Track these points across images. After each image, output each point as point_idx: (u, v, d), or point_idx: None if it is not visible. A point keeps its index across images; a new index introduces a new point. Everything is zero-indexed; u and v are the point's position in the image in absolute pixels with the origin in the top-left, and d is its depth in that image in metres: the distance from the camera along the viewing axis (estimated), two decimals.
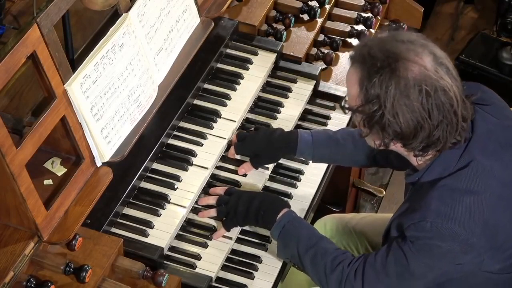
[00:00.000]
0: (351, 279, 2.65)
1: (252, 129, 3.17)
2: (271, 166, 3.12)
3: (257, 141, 3.05)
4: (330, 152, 3.05)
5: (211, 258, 2.85)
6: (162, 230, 2.86)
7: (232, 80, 3.30)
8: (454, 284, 2.64)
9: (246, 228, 2.98)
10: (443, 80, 2.42)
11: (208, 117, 3.17)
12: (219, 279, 2.86)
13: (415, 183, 2.62)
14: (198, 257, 2.85)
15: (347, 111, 2.60)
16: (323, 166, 3.20)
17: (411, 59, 2.42)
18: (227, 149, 3.14)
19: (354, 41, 3.63)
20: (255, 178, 3.08)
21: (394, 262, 2.58)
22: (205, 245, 2.88)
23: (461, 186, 2.50)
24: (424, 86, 2.40)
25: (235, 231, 2.93)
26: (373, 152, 3.00)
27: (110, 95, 2.76)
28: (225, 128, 3.15)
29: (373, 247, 3.19)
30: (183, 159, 3.04)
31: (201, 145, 3.09)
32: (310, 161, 3.16)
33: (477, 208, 2.48)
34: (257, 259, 2.91)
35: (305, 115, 3.35)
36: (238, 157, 3.11)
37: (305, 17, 3.60)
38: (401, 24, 3.76)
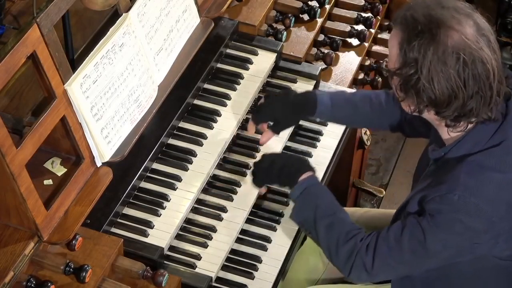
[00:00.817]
0: (362, 254, 2.63)
1: (263, 96, 3.11)
2: None
3: (273, 107, 3.02)
4: (348, 115, 3.04)
5: (211, 258, 2.85)
6: (162, 230, 2.86)
7: (232, 80, 3.30)
8: (460, 268, 2.64)
9: (246, 228, 2.99)
10: (482, 51, 2.41)
11: (208, 117, 3.17)
12: (219, 279, 2.86)
13: (439, 159, 2.61)
14: (198, 257, 2.85)
15: (385, 73, 2.58)
16: (323, 165, 3.20)
17: (453, 26, 2.41)
18: (227, 149, 3.14)
19: (354, 41, 3.63)
20: None
21: (410, 237, 2.56)
22: (205, 245, 2.88)
23: (490, 164, 2.50)
24: (462, 55, 2.39)
25: (235, 231, 2.93)
26: (388, 116, 3.00)
27: (110, 95, 2.76)
28: (225, 128, 3.15)
29: None
30: (183, 159, 3.04)
31: (201, 145, 3.09)
32: (310, 161, 3.16)
33: (504, 188, 2.48)
34: (257, 259, 2.91)
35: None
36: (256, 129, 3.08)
37: (305, 17, 3.60)
38: None
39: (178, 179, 2.98)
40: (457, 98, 2.44)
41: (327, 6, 3.66)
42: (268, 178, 2.87)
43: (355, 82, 3.55)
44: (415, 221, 2.56)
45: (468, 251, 2.56)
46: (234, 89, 3.27)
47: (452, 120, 2.51)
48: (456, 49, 2.40)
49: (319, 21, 3.60)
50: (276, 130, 3.05)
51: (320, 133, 3.31)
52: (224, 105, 3.22)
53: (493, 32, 2.49)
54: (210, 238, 2.90)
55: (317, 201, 2.74)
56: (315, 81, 3.39)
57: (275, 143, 3.18)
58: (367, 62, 3.62)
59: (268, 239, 2.97)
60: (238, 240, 2.96)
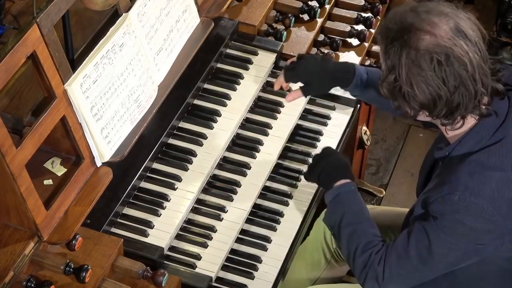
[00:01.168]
0: (374, 266, 2.66)
1: (295, 57, 3.09)
2: (271, 166, 3.12)
3: (309, 68, 3.02)
4: (378, 94, 3.04)
5: (211, 258, 2.86)
6: (162, 230, 2.86)
7: (232, 80, 3.30)
8: (467, 269, 2.64)
9: (246, 228, 2.99)
10: (456, 46, 2.41)
11: (208, 117, 3.17)
12: (219, 279, 2.86)
13: (445, 158, 2.62)
14: (198, 257, 2.85)
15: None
16: None
17: (424, 29, 2.42)
18: (227, 149, 3.14)
19: (354, 41, 3.62)
20: (255, 178, 3.08)
21: (416, 243, 2.58)
22: (205, 245, 2.88)
23: (491, 163, 2.50)
24: (435, 55, 2.40)
25: (235, 231, 2.93)
26: None
27: (110, 95, 2.76)
28: (225, 128, 3.15)
29: None
30: (183, 159, 3.04)
31: (201, 145, 3.09)
32: (311, 161, 3.16)
33: (505, 186, 2.49)
34: (257, 259, 2.91)
35: (305, 115, 3.35)
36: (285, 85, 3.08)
37: (305, 17, 3.60)
38: None
39: (178, 179, 2.98)
40: (440, 97, 2.45)
41: (327, 6, 3.65)
42: (311, 178, 2.96)
43: None
44: (420, 227, 2.58)
45: (473, 253, 2.56)
46: (234, 89, 3.27)
47: (444, 118, 2.52)
48: (428, 51, 2.41)
49: (319, 21, 3.60)
50: (306, 92, 3.05)
51: (320, 133, 3.31)
52: (224, 105, 3.22)
53: (474, 26, 2.48)
54: (210, 238, 2.90)
55: (345, 208, 2.79)
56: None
57: (274, 143, 3.18)
58: (367, 62, 3.62)
59: (268, 239, 2.97)
60: (238, 240, 2.96)
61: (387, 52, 2.47)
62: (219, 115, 3.18)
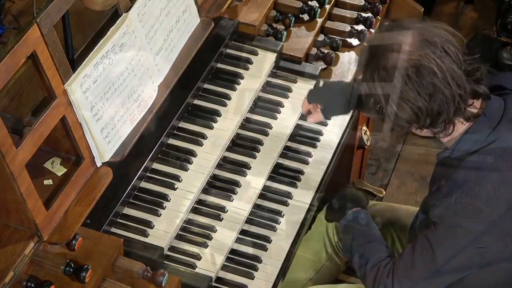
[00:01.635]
0: (384, 278, 2.72)
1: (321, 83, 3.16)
2: (271, 166, 3.12)
3: (331, 92, 3.07)
4: None
5: (211, 258, 2.86)
6: (162, 230, 2.86)
7: (232, 80, 3.30)
8: (472, 276, 2.65)
9: (246, 228, 2.99)
10: (422, 57, 2.45)
11: (208, 117, 3.17)
12: (219, 279, 2.86)
13: (445, 162, 2.64)
14: (198, 257, 2.85)
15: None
16: (323, 166, 3.20)
17: (389, 48, 2.47)
18: (227, 149, 3.14)
19: (354, 41, 3.63)
20: (255, 178, 3.08)
21: (420, 252, 2.62)
22: (205, 245, 2.88)
23: (487, 163, 2.52)
24: (404, 70, 2.44)
25: (235, 231, 2.93)
26: None
27: (110, 95, 2.76)
28: (225, 128, 3.15)
29: None
30: (183, 159, 3.04)
31: (201, 145, 3.09)
32: (310, 161, 3.18)
33: (502, 186, 2.50)
34: (257, 259, 2.91)
35: (305, 115, 3.35)
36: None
37: (305, 17, 3.60)
38: None
39: (178, 179, 2.98)
40: (420, 109, 2.49)
41: (327, 6, 3.66)
42: (330, 217, 3.14)
43: None
44: (422, 236, 2.62)
45: (477, 257, 2.57)
46: (234, 89, 3.27)
47: (432, 127, 2.55)
48: (396, 67, 2.45)
49: (319, 21, 3.60)
50: (328, 115, 3.10)
51: (320, 133, 3.31)
52: (224, 105, 3.22)
53: (443, 32, 2.50)
54: (210, 238, 2.90)
55: (355, 231, 2.91)
56: (315, 81, 3.38)
57: (274, 143, 3.18)
58: None
59: (268, 239, 2.97)
60: (238, 240, 2.96)
61: (365, 77, 2.53)
62: (219, 115, 3.18)
